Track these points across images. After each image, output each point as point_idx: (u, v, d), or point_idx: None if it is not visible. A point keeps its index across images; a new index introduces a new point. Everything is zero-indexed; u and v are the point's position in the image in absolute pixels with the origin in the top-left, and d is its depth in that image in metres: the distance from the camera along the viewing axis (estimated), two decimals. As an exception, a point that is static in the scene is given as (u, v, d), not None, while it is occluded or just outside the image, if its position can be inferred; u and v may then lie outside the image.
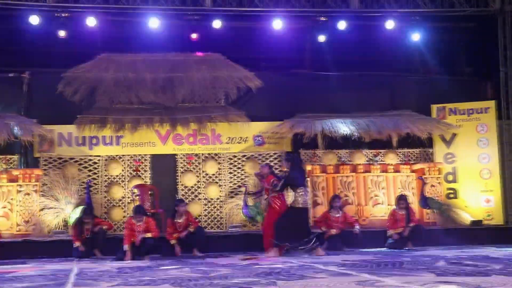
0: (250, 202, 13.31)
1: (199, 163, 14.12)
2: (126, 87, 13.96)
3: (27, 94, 14.44)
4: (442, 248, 11.35)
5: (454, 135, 14.51)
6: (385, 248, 11.66)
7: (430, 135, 14.33)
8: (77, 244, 11.13)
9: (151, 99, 14.05)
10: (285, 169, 11.02)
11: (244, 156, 14.32)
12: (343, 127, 13.97)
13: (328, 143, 14.20)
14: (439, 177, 14.17)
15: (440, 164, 14.31)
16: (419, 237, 11.72)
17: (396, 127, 14.11)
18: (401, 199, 12.14)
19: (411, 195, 13.86)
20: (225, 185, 14.07)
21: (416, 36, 14.67)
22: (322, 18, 14.24)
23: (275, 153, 14.32)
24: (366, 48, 15.10)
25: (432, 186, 14.04)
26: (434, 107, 14.83)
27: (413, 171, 14.26)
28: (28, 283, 7.01)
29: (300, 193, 10.25)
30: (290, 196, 10.94)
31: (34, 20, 13.28)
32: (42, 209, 12.99)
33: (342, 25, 14.20)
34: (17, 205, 12.95)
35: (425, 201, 13.63)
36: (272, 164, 14.09)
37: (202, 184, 13.98)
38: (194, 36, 14.15)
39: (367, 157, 14.39)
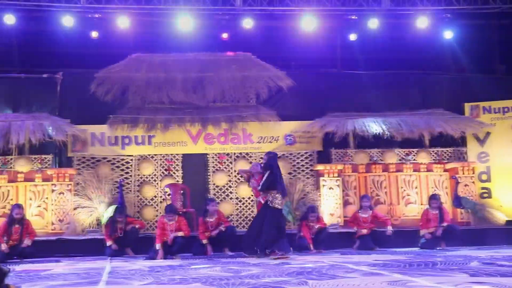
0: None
1: (230, 163, 14.13)
2: (158, 87, 14.02)
3: (60, 95, 14.60)
4: (475, 248, 11.21)
5: (488, 133, 14.35)
6: (417, 248, 11.55)
7: (463, 134, 14.16)
8: (109, 243, 11.23)
9: (182, 99, 14.09)
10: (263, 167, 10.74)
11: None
12: (375, 126, 13.87)
13: (360, 142, 14.12)
14: (472, 177, 14.00)
15: (473, 163, 14.13)
16: (452, 237, 11.59)
17: (429, 126, 13.96)
18: (434, 199, 12.01)
19: (444, 194, 13.75)
20: (256, 185, 14.05)
21: (448, 34, 14.52)
22: (353, 17, 14.15)
23: (306, 152, 14.28)
24: (397, 47, 15.00)
25: (466, 185, 13.88)
26: (467, 106, 14.65)
27: (446, 170, 14.11)
28: (61, 281, 7.10)
29: (278, 194, 10.21)
30: (270, 196, 10.37)
31: (67, 21, 13.40)
32: (75, 208, 13.10)
33: (373, 23, 14.10)
34: (51, 204, 13.09)
35: (458, 201, 13.48)
36: (303, 163, 14.12)
37: (234, 184, 13.99)
38: (224, 35, 14.18)
39: (399, 156, 14.25)
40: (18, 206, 11.25)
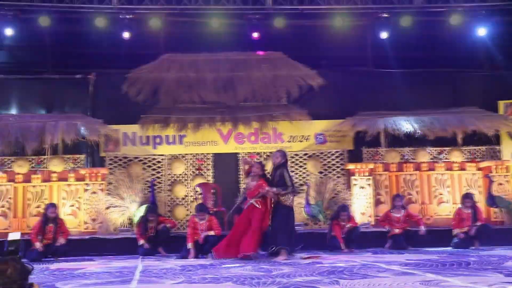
0: (312, 200, 13.27)
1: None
2: (188, 86, 14.08)
3: (93, 95, 14.76)
4: (510, 248, 11.02)
5: (523, 131, 14.13)
6: (450, 248, 11.43)
7: (497, 132, 13.96)
8: (141, 242, 11.30)
9: (213, 98, 14.13)
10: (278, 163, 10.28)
11: (306, 154, 14.26)
12: (406, 124, 13.77)
13: (391, 141, 14.01)
14: (507, 175, 13.81)
15: (508, 162, 13.93)
16: (486, 236, 11.44)
17: (461, 124, 13.82)
18: (467, 198, 11.87)
19: (477, 193, 13.57)
20: (287, 184, 14.01)
21: (481, 31, 14.28)
22: (385, 15, 14.04)
23: (337, 151, 14.22)
24: (429, 44, 14.89)
25: (500, 184, 13.69)
26: (501, 103, 14.47)
27: (479, 169, 13.95)
28: (95, 280, 7.19)
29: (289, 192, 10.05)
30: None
31: (100, 22, 13.49)
32: (108, 208, 13.22)
33: (405, 21, 13.97)
34: (84, 203, 13.23)
35: (492, 200, 13.30)
36: (334, 162, 14.06)
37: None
38: (255, 35, 14.16)
39: (431, 155, 14.12)
40: (53, 205, 11.34)
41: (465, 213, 11.69)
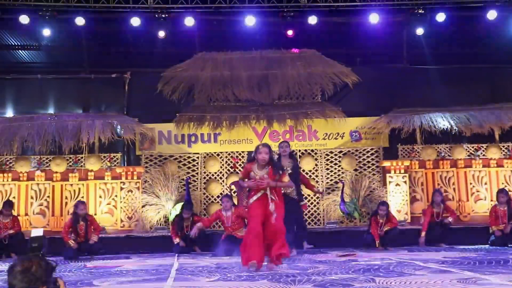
0: (347, 198, 13.19)
1: (296, 159, 14.09)
2: (223, 84, 14.10)
3: (128, 94, 14.90)
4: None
5: (562, 127, 13.86)
6: (487, 245, 11.26)
7: (536, 128, 13.75)
8: (177, 240, 11.33)
9: (247, 96, 14.13)
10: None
11: (341, 152, 14.18)
12: (442, 121, 13.59)
13: (427, 138, 13.83)
14: (544, 172, 13.58)
15: (545, 158, 13.69)
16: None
17: (498, 120, 13.59)
18: (501, 192, 11.69)
19: (514, 190, 13.35)
20: (322, 181, 13.96)
21: (520, 26, 14.07)
22: (420, 11, 13.88)
23: (372, 149, 14.12)
24: (465, 40, 14.74)
25: (537, 180, 13.47)
26: (540, 100, 14.21)
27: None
28: (131, 277, 7.24)
29: None
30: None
31: (135, 22, 13.59)
32: (144, 206, 13.31)
33: (441, 17, 13.79)
34: (120, 201, 13.32)
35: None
36: (369, 159, 13.97)
37: (299, 181, 13.92)
38: (289, 32, 14.12)
39: (468, 151, 13.93)
40: (82, 203, 11.38)
41: (500, 211, 11.51)
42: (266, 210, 7.60)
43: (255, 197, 7.69)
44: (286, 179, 7.87)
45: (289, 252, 7.88)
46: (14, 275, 3.26)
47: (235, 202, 12.29)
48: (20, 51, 15.64)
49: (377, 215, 11.26)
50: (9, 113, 15.06)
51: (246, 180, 7.86)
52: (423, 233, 11.36)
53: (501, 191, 11.80)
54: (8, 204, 11.77)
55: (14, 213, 12.04)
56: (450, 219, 11.50)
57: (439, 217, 11.58)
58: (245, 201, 12.66)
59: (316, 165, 14.05)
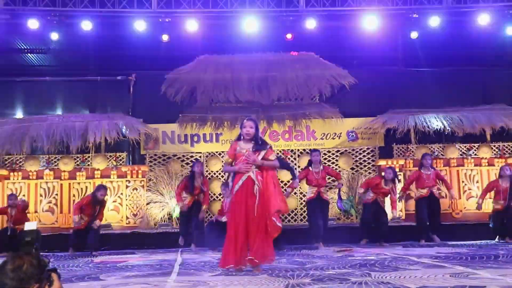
0: (344, 196, 13.31)
1: (294, 159, 14.23)
2: (224, 86, 14.13)
3: (133, 96, 15.05)
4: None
5: (551, 128, 13.98)
6: (479, 241, 11.38)
7: (526, 128, 13.87)
8: (180, 204, 11.28)
9: (248, 98, 14.16)
10: None
11: (338, 151, 14.32)
12: (436, 121, 13.72)
13: (421, 138, 13.97)
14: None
15: (536, 157, 13.81)
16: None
17: (490, 120, 13.73)
18: (505, 168, 11.78)
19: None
20: (320, 180, 14.07)
21: (510, 30, 14.17)
22: (415, 15, 13.99)
23: (368, 148, 14.27)
24: (458, 43, 14.73)
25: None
26: (530, 101, 14.33)
27: (508, 165, 13.83)
28: (136, 272, 7.30)
29: None
30: None
31: (140, 26, 13.66)
32: (148, 203, 13.45)
33: (434, 21, 13.92)
34: (126, 199, 13.47)
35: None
36: (365, 158, 14.09)
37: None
38: (289, 36, 14.22)
39: (460, 151, 14.07)
40: (104, 188, 11.31)
41: (502, 186, 11.56)
42: (249, 199, 6.95)
43: (240, 182, 7.02)
44: (272, 157, 7.20)
45: (264, 258, 6.93)
46: (5, 273, 3.02)
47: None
48: (29, 54, 15.76)
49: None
50: (19, 114, 15.23)
51: (233, 162, 7.19)
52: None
53: (505, 167, 11.82)
54: (14, 195, 11.86)
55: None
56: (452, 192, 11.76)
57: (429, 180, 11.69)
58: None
59: (314, 164, 14.15)
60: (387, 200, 11.64)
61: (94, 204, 10.99)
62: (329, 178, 12.56)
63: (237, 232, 6.87)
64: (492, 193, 11.89)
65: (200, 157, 14.17)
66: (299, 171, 12.48)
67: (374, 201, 11.48)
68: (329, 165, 13.92)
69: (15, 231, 11.18)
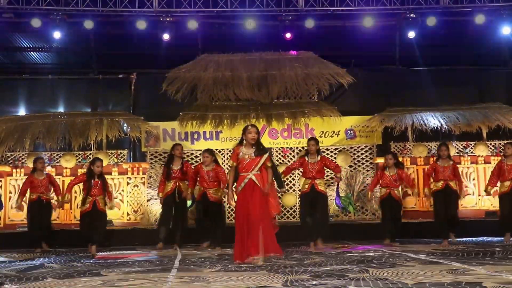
0: (342, 193, 13.24)
1: (293, 156, 14.15)
2: (224, 85, 14.12)
3: (134, 94, 15.01)
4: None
5: (547, 126, 13.91)
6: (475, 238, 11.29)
7: (522, 127, 13.81)
8: (160, 195, 10.92)
9: (247, 96, 14.15)
10: None
11: (336, 149, 14.24)
12: (433, 120, 13.70)
13: (418, 136, 13.93)
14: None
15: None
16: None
17: (486, 119, 13.71)
18: (509, 144, 11.06)
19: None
20: (318, 177, 13.99)
21: (506, 30, 14.08)
22: (412, 15, 13.91)
23: (366, 146, 14.19)
24: (454, 43, 14.75)
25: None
26: (525, 99, 14.28)
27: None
28: (137, 268, 7.28)
29: None
30: None
31: (141, 25, 13.60)
32: (149, 200, 13.36)
33: (431, 21, 13.83)
34: (127, 196, 13.39)
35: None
36: (363, 156, 14.02)
37: (297, 176, 13.98)
38: (288, 35, 14.15)
39: (457, 149, 13.99)
40: (99, 159, 10.45)
41: (508, 165, 10.70)
42: (250, 199, 7.49)
43: (242, 184, 7.60)
44: (270, 163, 7.77)
45: (277, 250, 7.57)
46: None
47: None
48: (32, 52, 15.69)
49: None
50: (22, 111, 15.13)
51: (235, 164, 7.88)
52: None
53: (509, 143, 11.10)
54: (40, 157, 11.47)
55: (33, 196, 11.20)
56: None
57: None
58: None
59: (313, 161, 14.08)
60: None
61: (92, 177, 10.13)
62: (327, 172, 12.21)
63: (242, 229, 7.46)
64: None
65: (200, 154, 14.06)
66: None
67: (388, 196, 10.77)
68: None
69: None
